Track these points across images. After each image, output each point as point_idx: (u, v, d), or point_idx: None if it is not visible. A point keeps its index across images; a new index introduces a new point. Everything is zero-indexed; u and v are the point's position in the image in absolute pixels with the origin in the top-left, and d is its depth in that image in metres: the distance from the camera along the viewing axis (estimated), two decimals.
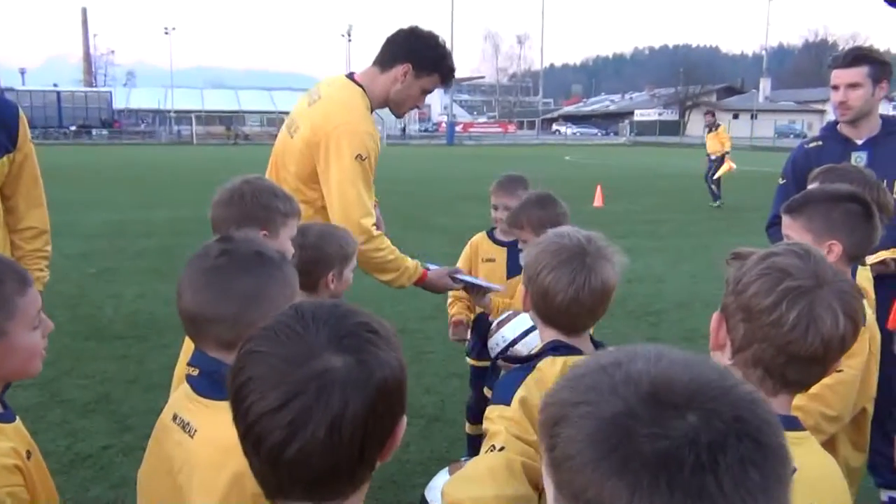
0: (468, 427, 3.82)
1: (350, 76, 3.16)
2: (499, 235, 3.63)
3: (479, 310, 3.44)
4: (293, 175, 3.03)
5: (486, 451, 1.58)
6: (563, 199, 2.98)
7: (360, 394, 0.93)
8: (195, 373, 1.52)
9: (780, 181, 3.62)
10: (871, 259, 2.84)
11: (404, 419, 1.02)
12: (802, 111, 75.27)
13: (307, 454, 0.92)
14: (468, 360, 3.70)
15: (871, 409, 2.23)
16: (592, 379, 0.74)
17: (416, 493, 2.48)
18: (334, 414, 0.92)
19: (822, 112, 65.06)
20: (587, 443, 0.69)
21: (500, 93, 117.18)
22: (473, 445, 3.71)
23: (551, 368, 1.69)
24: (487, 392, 3.38)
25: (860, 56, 3.40)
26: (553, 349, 1.74)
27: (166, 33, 76.25)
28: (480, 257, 3.64)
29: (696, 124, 63.68)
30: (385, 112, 3.35)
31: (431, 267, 3.19)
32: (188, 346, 1.84)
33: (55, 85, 71.26)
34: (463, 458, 3.51)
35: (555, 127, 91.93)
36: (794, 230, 2.14)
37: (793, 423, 1.33)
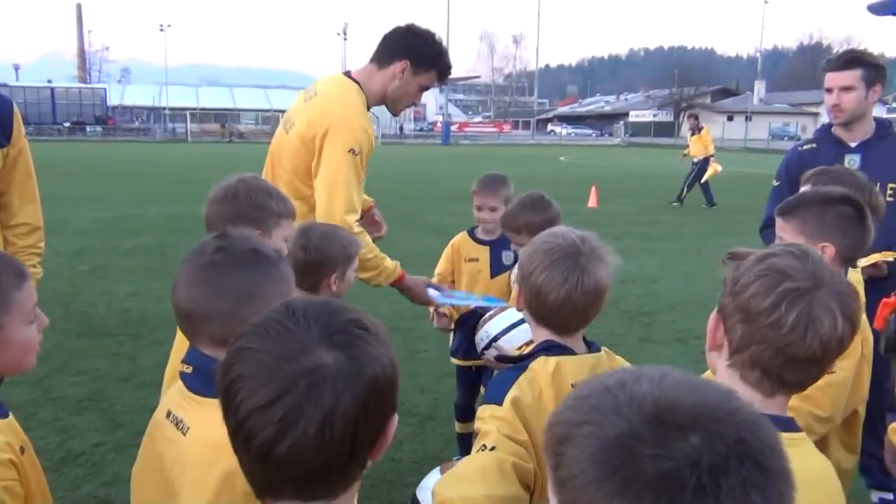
0: (457, 426, 3.83)
1: (347, 74, 3.17)
2: (480, 234, 3.62)
3: (462, 309, 3.44)
4: (288, 171, 3.04)
5: (478, 451, 1.57)
6: (557, 200, 3.01)
7: (351, 390, 0.93)
8: (189, 370, 1.51)
9: (774, 183, 3.63)
10: (864, 262, 2.85)
11: (395, 417, 1.02)
12: (797, 113, 75.36)
13: (298, 451, 0.91)
14: (452, 360, 3.69)
15: (862, 411, 2.24)
16: (597, 399, 0.74)
17: (409, 491, 2.48)
18: (325, 410, 0.91)
19: (817, 114, 65.12)
20: (590, 462, 0.70)
21: (496, 93, 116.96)
22: (464, 444, 3.71)
23: (544, 368, 1.69)
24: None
25: (854, 59, 3.40)
26: (546, 349, 1.74)
27: (161, 30, 76.08)
28: (463, 257, 3.62)
29: None
30: (381, 111, 3.35)
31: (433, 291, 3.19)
32: (179, 344, 1.84)
33: (49, 81, 70.75)
34: (455, 458, 3.51)
35: (550, 127, 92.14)
36: (787, 232, 2.14)
37: (789, 425, 1.33)
